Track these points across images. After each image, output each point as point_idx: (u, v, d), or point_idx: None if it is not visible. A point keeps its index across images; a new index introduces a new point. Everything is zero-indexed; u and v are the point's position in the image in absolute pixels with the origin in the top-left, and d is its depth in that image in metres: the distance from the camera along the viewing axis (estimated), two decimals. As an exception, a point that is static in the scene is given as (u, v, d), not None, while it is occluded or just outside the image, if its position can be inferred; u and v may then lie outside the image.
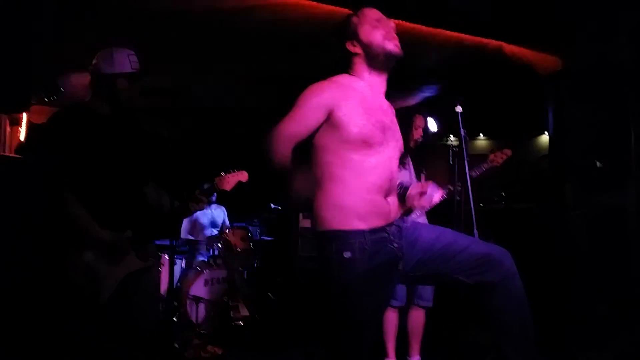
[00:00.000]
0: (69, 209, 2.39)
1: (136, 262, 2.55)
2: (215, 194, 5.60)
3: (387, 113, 2.20)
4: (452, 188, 3.51)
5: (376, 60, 2.16)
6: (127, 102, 2.57)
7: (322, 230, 2.09)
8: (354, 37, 2.17)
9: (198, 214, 5.83)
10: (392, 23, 2.19)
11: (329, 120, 2.07)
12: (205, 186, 2.84)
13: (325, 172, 2.10)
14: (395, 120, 2.24)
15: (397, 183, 2.26)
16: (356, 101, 2.09)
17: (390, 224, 2.14)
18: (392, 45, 2.15)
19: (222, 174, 2.89)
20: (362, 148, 2.07)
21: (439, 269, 2.17)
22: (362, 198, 2.07)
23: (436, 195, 2.31)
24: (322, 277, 2.15)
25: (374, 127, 2.08)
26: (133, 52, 2.57)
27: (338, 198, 2.07)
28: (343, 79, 2.19)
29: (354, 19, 2.20)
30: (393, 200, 2.19)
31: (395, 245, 2.12)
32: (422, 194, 2.25)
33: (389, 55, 2.15)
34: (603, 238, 4.32)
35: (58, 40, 3.88)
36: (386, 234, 2.10)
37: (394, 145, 2.19)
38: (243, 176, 2.92)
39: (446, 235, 2.20)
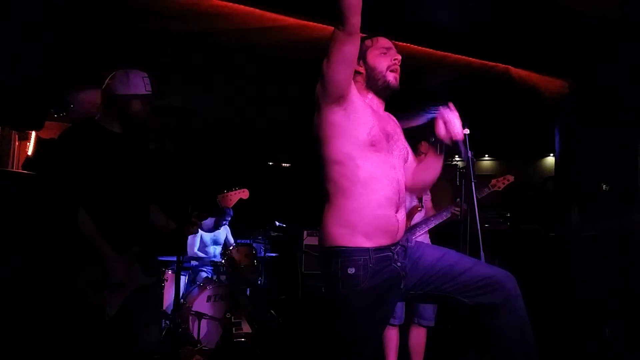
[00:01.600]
0: (79, 225, 2.40)
1: (142, 278, 2.57)
2: (230, 215, 5.66)
3: (388, 123, 2.26)
4: (457, 209, 3.51)
5: (374, 84, 2.25)
6: (139, 123, 2.61)
7: (328, 246, 2.13)
8: (362, 57, 2.24)
9: (201, 232, 5.84)
10: (399, 56, 2.26)
11: (345, 107, 2.10)
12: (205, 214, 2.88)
13: (335, 187, 2.13)
14: (399, 131, 2.30)
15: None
16: (364, 103, 2.18)
17: (395, 244, 2.16)
18: (392, 77, 2.24)
19: (225, 191, 2.94)
20: (369, 154, 2.11)
21: (440, 289, 2.18)
22: (372, 215, 2.10)
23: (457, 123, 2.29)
24: (325, 292, 2.17)
25: (380, 132, 2.14)
26: (147, 75, 2.62)
27: (347, 215, 2.11)
28: None
29: (367, 42, 2.28)
30: (402, 216, 2.21)
31: (399, 264, 2.14)
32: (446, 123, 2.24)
33: (386, 84, 2.24)
34: (609, 261, 4.30)
35: (69, 58, 3.94)
36: (391, 253, 2.13)
37: (399, 155, 2.24)
38: (244, 194, 2.98)
39: (449, 256, 2.21)
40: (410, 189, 2.38)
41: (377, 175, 2.11)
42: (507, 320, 2.11)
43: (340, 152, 2.11)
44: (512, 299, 2.12)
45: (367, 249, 2.08)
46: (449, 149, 2.27)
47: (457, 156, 7.54)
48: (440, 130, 2.24)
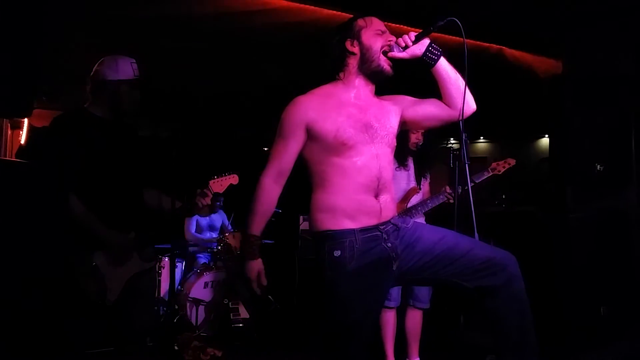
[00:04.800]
0: (76, 211, 2.40)
1: (139, 264, 2.59)
2: (222, 199, 5.69)
3: (369, 112, 2.21)
4: (449, 191, 3.50)
5: (367, 66, 2.21)
6: (129, 108, 2.60)
7: (316, 232, 2.17)
8: (356, 37, 2.22)
9: (197, 217, 5.86)
10: (393, 37, 2.23)
11: (309, 134, 2.15)
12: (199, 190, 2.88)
13: (315, 180, 2.19)
14: (384, 117, 2.24)
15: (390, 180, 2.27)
16: (332, 107, 2.16)
17: (385, 223, 2.16)
18: (386, 64, 2.21)
19: (215, 176, 2.96)
20: (343, 150, 2.12)
21: (439, 273, 2.17)
22: (350, 198, 2.12)
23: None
24: (318, 277, 2.19)
25: (352, 127, 2.13)
26: (134, 60, 2.61)
27: (327, 200, 2.14)
28: (322, 90, 2.25)
29: (360, 22, 2.25)
30: (385, 198, 2.19)
31: (389, 244, 2.14)
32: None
33: (379, 68, 2.21)
34: (603, 242, 4.32)
35: (59, 45, 3.90)
36: (379, 233, 2.13)
37: (382, 142, 2.20)
38: (234, 179, 3.01)
39: (448, 239, 2.19)
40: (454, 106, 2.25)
41: (352, 167, 2.12)
42: (507, 301, 2.11)
43: (313, 153, 2.17)
44: (512, 280, 2.11)
45: (352, 230, 2.10)
46: (424, 61, 2.21)
47: (452, 138, 7.54)
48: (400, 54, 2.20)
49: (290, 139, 2.16)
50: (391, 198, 2.23)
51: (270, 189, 2.20)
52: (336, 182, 2.13)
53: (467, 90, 2.23)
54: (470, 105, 2.27)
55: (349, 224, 2.10)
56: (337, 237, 2.10)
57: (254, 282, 2.25)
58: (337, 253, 2.08)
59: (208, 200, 2.79)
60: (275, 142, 2.21)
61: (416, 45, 2.19)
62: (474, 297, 2.18)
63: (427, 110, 2.31)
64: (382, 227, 2.14)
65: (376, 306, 2.28)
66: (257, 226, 2.23)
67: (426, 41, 2.21)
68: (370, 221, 2.13)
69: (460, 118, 2.25)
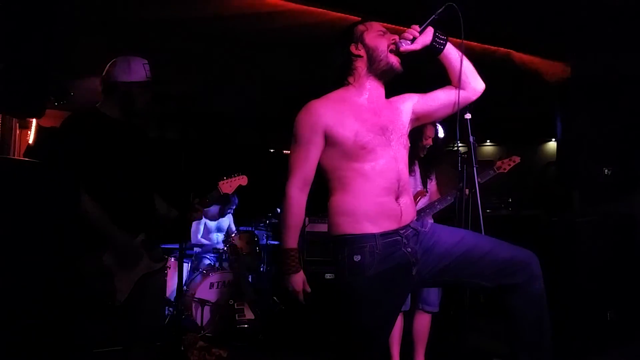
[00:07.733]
0: (87, 211, 2.41)
1: (149, 264, 2.59)
2: (235, 203, 5.76)
3: (383, 115, 2.22)
4: (459, 193, 3.48)
5: (377, 65, 2.21)
6: (140, 110, 2.60)
7: (335, 235, 2.14)
8: (360, 40, 2.23)
9: (206, 220, 5.89)
10: (396, 36, 2.24)
11: (327, 140, 2.13)
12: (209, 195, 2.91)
13: (336, 183, 2.17)
14: (396, 118, 2.25)
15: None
16: (347, 112, 2.15)
17: (404, 227, 2.14)
18: (395, 60, 2.22)
19: (224, 178, 2.97)
20: (363, 154, 2.11)
21: (459, 275, 2.15)
22: (371, 201, 2.10)
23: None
24: (335, 281, 2.17)
25: (370, 131, 2.12)
26: (147, 62, 2.61)
27: (348, 204, 2.12)
28: (335, 94, 2.24)
29: (361, 27, 2.27)
30: (405, 201, 2.18)
31: (409, 249, 2.12)
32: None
33: (389, 65, 2.21)
34: (610, 246, 4.30)
35: (68, 46, 3.91)
36: (399, 237, 2.12)
37: (399, 143, 2.21)
38: (243, 180, 3.04)
39: (467, 240, 2.17)
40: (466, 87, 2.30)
41: (372, 170, 2.12)
42: (526, 300, 2.10)
43: (333, 160, 2.15)
44: (532, 280, 2.10)
45: (373, 235, 2.08)
46: (432, 50, 2.26)
47: (458, 141, 7.51)
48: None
49: (310, 146, 2.14)
50: (410, 201, 2.22)
51: (298, 198, 2.16)
52: (357, 185, 2.11)
53: (474, 70, 2.29)
54: (479, 83, 2.31)
55: (370, 228, 2.08)
56: (357, 241, 2.08)
57: (300, 293, 2.22)
58: (357, 258, 2.07)
59: (200, 215, 2.82)
60: (293, 150, 2.17)
61: (423, 34, 2.22)
62: (493, 294, 2.16)
63: (439, 99, 2.33)
64: (402, 232, 2.13)
65: (395, 311, 2.25)
66: (293, 239, 2.18)
67: (431, 29, 2.25)
68: (391, 225, 2.11)
69: (473, 97, 2.32)
